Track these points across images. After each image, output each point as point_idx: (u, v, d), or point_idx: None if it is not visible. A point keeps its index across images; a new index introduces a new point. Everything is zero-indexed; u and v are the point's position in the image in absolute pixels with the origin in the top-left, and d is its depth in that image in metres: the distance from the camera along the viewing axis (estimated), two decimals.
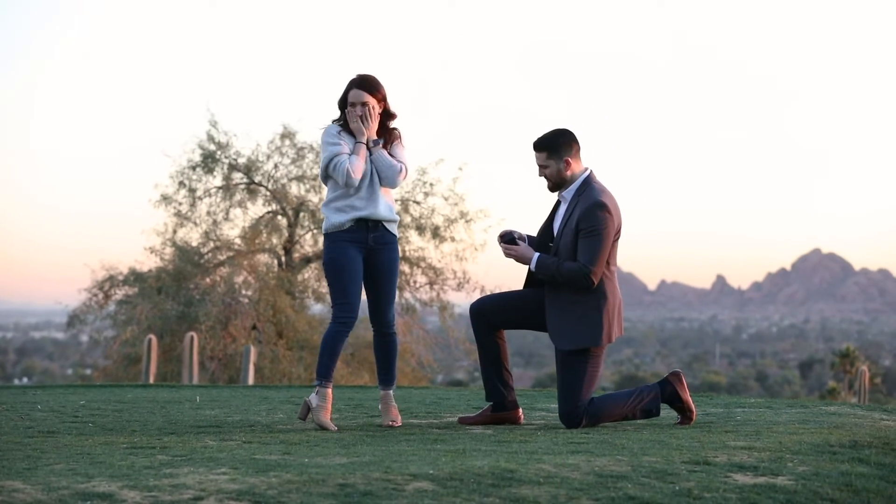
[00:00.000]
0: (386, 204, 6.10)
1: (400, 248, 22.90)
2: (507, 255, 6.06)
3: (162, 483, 3.86)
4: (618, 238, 5.95)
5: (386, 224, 6.10)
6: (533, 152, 6.02)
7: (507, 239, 6.07)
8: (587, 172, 5.99)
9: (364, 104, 6.00)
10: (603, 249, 5.82)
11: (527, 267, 6.08)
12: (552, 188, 6.05)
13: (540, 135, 6.03)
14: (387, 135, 6.10)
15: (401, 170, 6.03)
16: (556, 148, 5.96)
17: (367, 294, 6.17)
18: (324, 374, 6.00)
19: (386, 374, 6.18)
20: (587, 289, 5.85)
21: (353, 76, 6.08)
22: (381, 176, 6.02)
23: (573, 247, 5.87)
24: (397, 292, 23.45)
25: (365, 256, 6.08)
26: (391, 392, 6.16)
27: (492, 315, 6.12)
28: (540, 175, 6.04)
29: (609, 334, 5.86)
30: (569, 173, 5.96)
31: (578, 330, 5.86)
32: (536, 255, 5.98)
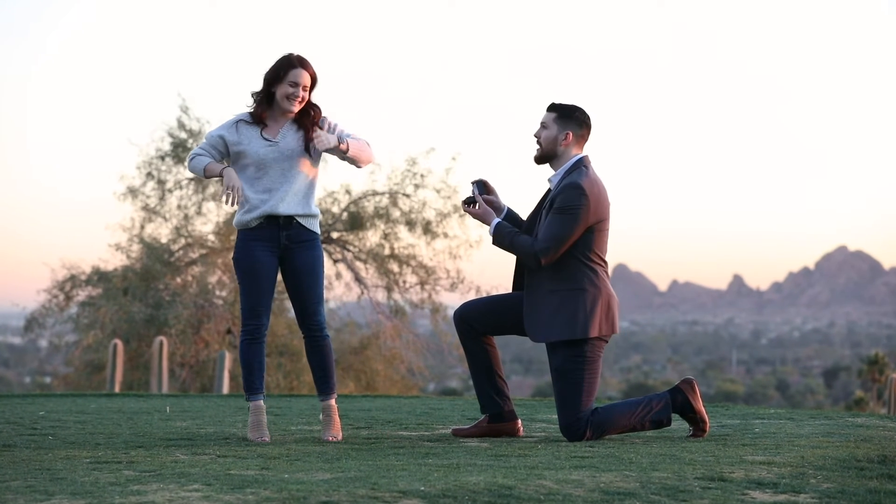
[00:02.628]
0: (299, 198, 6.03)
1: (388, 246, 23.29)
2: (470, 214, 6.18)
3: (128, 501, 3.86)
4: (601, 228, 5.93)
5: (300, 220, 6.05)
6: (544, 112, 6.09)
7: (470, 199, 6.15)
8: (580, 156, 6.02)
9: (304, 88, 5.94)
10: (564, 229, 5.82)
11: (513, 269, 6.14)
12: (539, 158, 6.09)
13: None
14: (308, 120, 6.00)
15: (366, 141, 6.06)
16: (566, 116, 6.03)
17: (291, 298, 6.13)
18: (246, 388, 6.06)
19: (325, 383, 6.14)
20: (536, 269, 5.90)
21: (290, 54, 5.98)
22: (362, 158, 6.02)
23: None
24: (386, 293, 23.61)
25: (281, 257, 6.05)
26: (334, 402, 6.15)
27: (477, 321, 6.15)
28: (535, 135, 6.08)
29: (586, 327, 5.84)
30: (562, 147, 6.01)
31: (553, 322, 5.89)
32: (496, 221, 6.06)
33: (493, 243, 6.07)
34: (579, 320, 5.85)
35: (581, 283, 5.89)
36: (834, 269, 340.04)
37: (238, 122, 6.00)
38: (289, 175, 5.97)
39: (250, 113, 6.01)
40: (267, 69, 5.96)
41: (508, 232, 6.00)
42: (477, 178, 6.22)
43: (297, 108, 5.94)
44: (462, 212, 22.94)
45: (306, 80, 5.92)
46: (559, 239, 5.83)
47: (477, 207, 6.15)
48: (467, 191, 6.22)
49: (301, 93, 5.91)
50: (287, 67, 5.91)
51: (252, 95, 6.03)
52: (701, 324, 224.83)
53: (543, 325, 5.93)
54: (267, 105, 5.99)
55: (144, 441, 5.97)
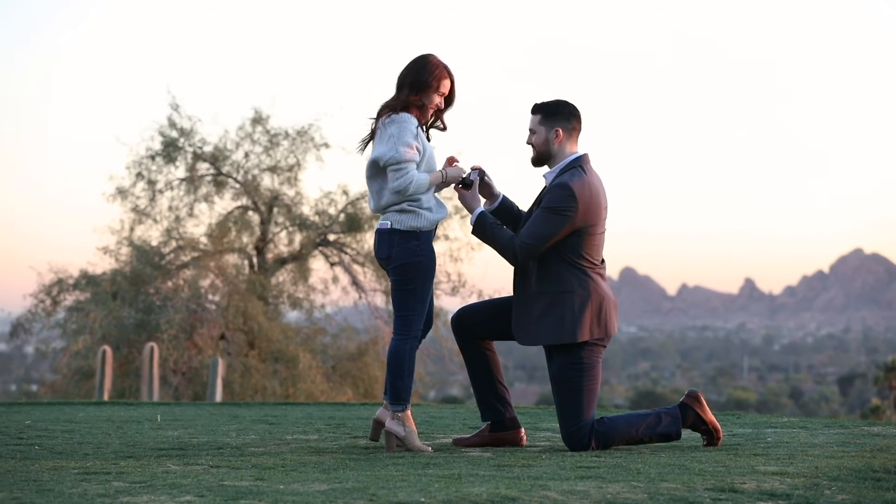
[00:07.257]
0: None
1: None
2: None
3: None
4: (592, 231, 5.92)
5: None
6: (529, 115, 6.09)
7: (467, 182, 6.15)
8: (578, 155, 6.02)
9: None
10: (546, 228, 5.84)
11: (512, 273, 6.14)
12: (535, 161, 6.09)
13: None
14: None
15: None
16: (551, 114, 6.03)
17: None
18: (406, 397, 5.94)
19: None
20: (513, 264, 5.95)
21: (434, 57, 6.01)
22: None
23: None
24: (384, 297, 23.57)
25: None
26: None
27: (474, 325, 6.16)
28: (527, 142, 6.09)
29: (574, 331, 5.84)
30: (556, 146, 6.01)
31: (540, 325, 5.91)
32: (479, 209, 6.08)
33: (473, 232, 6.11)
34: (566, 324, 5.86)
35: (569, 286, 5.89)
36: (849, 272, 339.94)
37: (416, 126, 5.94)
38: None
39: (416, 116, 5.96)
40: (415, 71, 5.96)
41: (490, 223, 6.02)
42: (478, 166, 6.20)
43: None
44: (464, 214, 23.04)
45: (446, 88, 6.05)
46: (540, 237, 5.85)
47: (468, 191, 6.13)
48: (466, 173, 6.18)
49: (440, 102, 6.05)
50: (441, 78, 5.97)
51: (405, 95, 5.95)
52: (711, 329, 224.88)
53: (531, 329, 5.94)
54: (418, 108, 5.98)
55: (134, 451, 5.97)
